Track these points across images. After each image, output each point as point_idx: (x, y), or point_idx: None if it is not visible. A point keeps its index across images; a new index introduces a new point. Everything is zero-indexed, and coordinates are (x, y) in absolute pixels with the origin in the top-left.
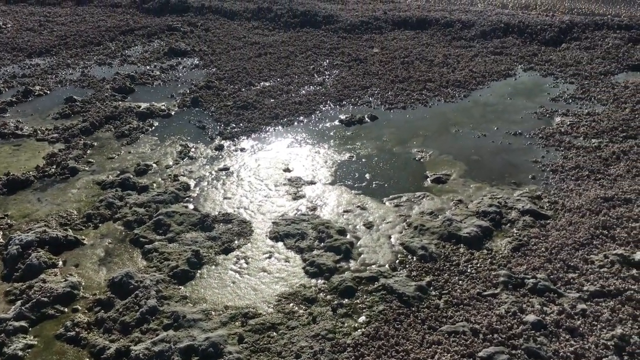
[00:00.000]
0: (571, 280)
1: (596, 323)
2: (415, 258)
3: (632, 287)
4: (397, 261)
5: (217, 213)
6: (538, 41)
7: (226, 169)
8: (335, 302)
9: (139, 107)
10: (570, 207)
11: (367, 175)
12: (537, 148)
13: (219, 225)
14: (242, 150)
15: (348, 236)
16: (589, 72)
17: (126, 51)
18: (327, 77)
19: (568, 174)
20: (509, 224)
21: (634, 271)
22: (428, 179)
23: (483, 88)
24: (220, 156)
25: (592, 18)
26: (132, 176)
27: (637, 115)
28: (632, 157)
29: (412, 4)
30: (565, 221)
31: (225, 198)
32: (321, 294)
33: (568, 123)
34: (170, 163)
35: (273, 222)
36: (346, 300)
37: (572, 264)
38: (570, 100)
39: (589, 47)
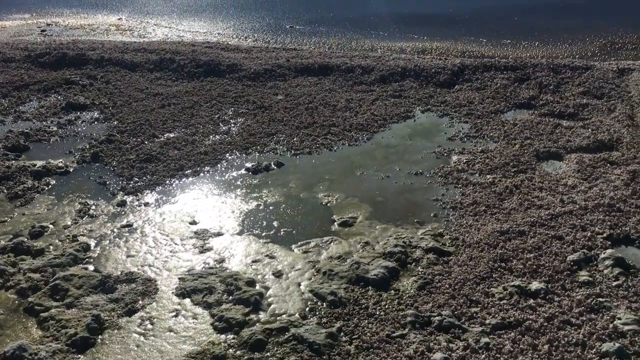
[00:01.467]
0: (474, 314)
1: (499, 355)
2: (325, 304)
3: (530, 317)
4: (307, 309)
5: (119, 273)
6: (433, 83)
7: (129, 225)
8: (246, 357)
9: (34, 165)
10: (470, 242)
11: (275, 223)
12: (437, 186)
13: (121, 286)
14: (146, 204)
15: (257, 287)
16: (481, 111)
17: (20, 107)
18: (232, 125)
19: (466, 210)
20: (414, 263)
21: (531, 301)
22: (335, 223)
23: (385, 130)
24: (123, 212)
25: (482, 60)
26: (26, 239)
27: (525, 151)
28: (523, 191)
29: (314, 51)
30: (466, 256)
31: (128, 256)
32: (231, 349)
33: (464, 161)
34: (69, 223)
35: (179, 278)
36: (257, 354)
37: (474, 299)
38: (465, 139)
39: (480, 87)
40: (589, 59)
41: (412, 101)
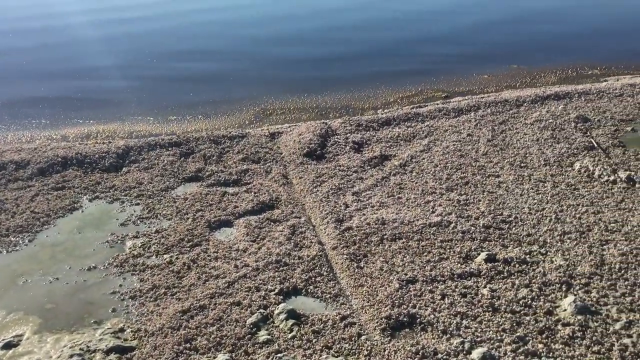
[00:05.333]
0: None
1: None
2: None
3: None
4: None
5: None
6: (99, 169)
7: None
8: None
9: None
10: (153, 330)
11: None
12: (113, 278)
13: None
14: None
15: None
16: (152, 190)
17: None
18: None
19: (146, 297)
20: None
21: None
22: None
23: (49, 227)
24: None
25: (147, 139)
26: None
27: (198, 223)
28: (200, 264)
29: None
30: (150, 347)
31: None
32: None
33: (140, 245)
34: None
35: None
36: None
37: None
38: (139, 222)
39: (148, 167)
40: (246, 127)
41: (77, 191)
